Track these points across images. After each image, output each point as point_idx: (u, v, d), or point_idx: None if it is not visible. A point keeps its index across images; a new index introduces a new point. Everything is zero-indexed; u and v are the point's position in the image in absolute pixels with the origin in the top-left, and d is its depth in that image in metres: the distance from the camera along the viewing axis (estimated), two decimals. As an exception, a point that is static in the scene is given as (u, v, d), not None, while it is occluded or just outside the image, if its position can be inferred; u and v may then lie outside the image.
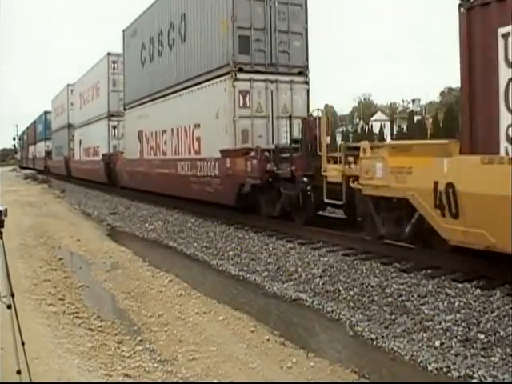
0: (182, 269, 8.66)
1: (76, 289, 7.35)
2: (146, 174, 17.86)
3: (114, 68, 23.77)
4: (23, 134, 71.01)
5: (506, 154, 5.95)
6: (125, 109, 21.13)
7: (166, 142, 16.28)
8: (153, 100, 17.44)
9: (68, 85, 34.88)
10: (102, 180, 24.45)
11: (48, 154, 44.03)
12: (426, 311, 5.62)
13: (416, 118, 60.33)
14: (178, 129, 15.16)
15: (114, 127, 24.27)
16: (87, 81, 28.68)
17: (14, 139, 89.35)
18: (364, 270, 7.30)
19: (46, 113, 46.68)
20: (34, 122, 54.65)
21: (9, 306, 3.47)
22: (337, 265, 7.70)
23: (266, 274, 7.88)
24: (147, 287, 7.37)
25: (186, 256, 9.91)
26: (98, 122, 25.82)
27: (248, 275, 7.94)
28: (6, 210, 3.44)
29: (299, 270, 7.75)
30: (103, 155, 24.18)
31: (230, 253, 9.39)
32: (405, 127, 59.08)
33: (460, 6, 6.51)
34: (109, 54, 23.86)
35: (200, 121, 13.66)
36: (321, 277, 7.29)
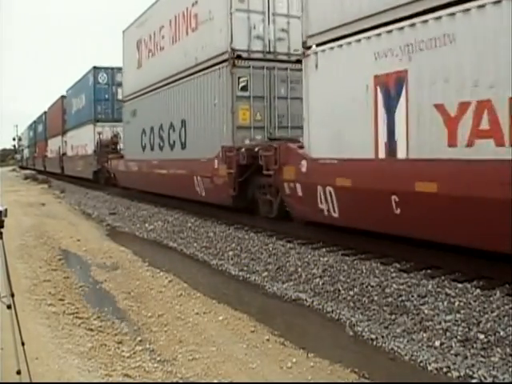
0: (181, 269, 8.65)
1: (76, 289, 7.35)
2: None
3: None
4: (35, 123, 54.03)
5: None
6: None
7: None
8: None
9: None
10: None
11: (106, 148, 24.81)
12: (425, 311, 5.62)
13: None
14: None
15: None
16: None
17: (13, 139, 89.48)
18: (364, 270, 7.31)
19: (96, 69, 26.11)
20: (62, 97, 35.20)
21: (9, 306, 3.47)
22: (337, 265, 7.71)
23: (265, 274, 7.88)
24: (147, 287, 7.37)
25: (186, 256, 9.91)
26: None
27: (248, 275, 7.94)
28: (6, 210, 3.44)
29: (299, 270, 7.76)
30: None
31: (230, 253, 9.39)
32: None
33: None
34: None
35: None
36: (321, 277, 7.29)
